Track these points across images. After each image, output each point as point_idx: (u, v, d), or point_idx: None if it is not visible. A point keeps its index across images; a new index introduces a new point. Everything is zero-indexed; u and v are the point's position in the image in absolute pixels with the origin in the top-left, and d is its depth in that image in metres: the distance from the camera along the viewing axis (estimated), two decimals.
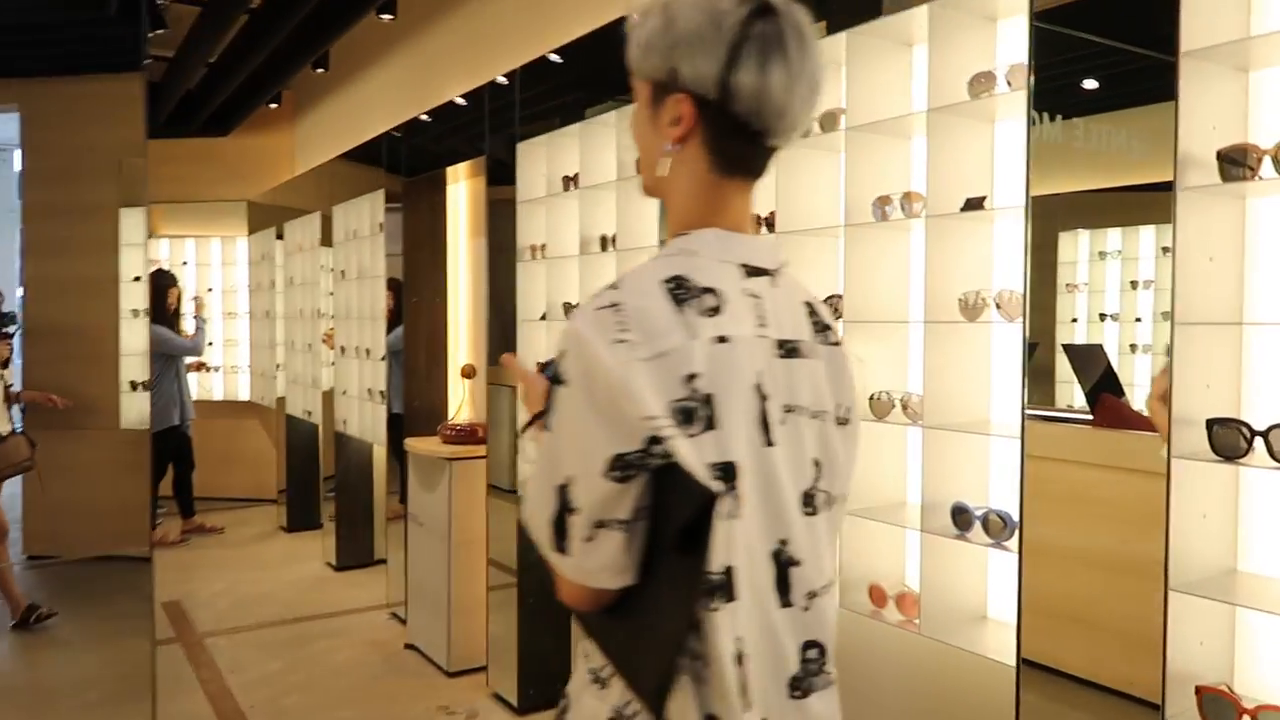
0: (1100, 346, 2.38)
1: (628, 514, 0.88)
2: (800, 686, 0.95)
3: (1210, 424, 1.70)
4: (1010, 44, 2.23)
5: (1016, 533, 2.04)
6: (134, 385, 5.94)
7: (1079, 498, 2.21)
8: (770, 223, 2.71)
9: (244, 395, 7.64)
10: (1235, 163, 1.72)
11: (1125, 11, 2.35)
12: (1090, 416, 2.25)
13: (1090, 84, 2.41)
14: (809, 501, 0.97)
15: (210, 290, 7.66)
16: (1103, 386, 2.31)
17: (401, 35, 5.73)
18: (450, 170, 4.80)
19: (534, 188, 3.71)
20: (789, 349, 0.97)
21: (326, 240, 5.83)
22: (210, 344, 7.50)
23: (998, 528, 2.09)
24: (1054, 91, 2.14)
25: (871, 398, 2.37)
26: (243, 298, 7.65)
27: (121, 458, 5.29)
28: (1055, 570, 2.10)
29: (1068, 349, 2.37)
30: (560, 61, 3.62)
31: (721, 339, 0.90)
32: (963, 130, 2.25)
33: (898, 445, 2.43)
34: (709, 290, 0.92)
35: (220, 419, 7.44)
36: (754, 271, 0.97)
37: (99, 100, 6.20)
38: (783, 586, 0.94)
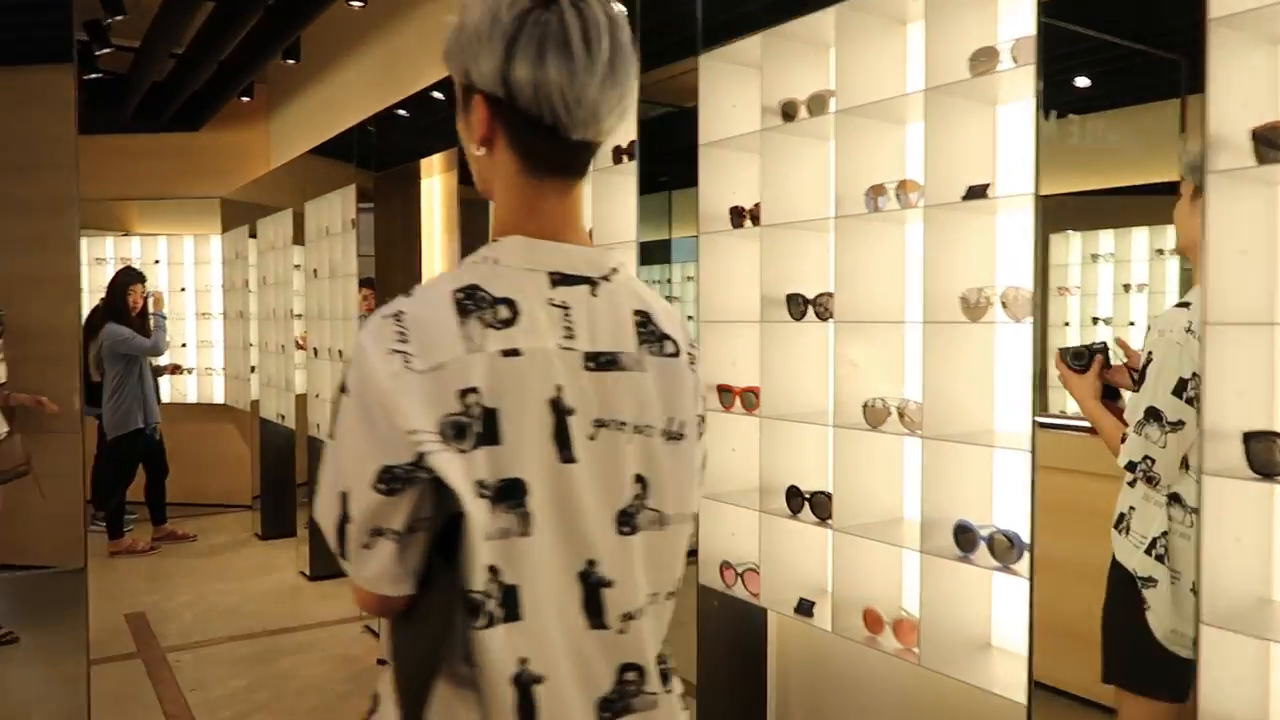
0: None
1: (400, 525, 0.88)
2: (612, 708, 0.93)
3: (1246, 437, 1.52)
4: (1014, 20, 2.05)
5: (1025, 554, 1.85)
6: (96, 387, 5.72)
7: (1080, 509, 2.04)
8: (755, 216, 2.52)
9: (218, 398, 7.42)
10: (1271, 144, 1.54)
11: (1128, 3, 2.19)
12: (1087, 423, 2.09)
13: (1085, 81, 2.26)
14: (626, 520, 0.94)
15: (183, 290, 7.43)
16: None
17: (373, 23, 5.52)
18: (424, 164, 4.60)
19: None
20: (603, 361, 0.93)
21: (299, 238, 5.62)
22: (184, 345, 7.27)
23: (1004, 549, 1.90)
24: (1048, 87, 1.99)
25: (866, 405, 2.18)
26: (216, 298, 7.43)
27: (85, 463, 5.08)
28: (1060, 587, 1.93)
29: (1063, 353, 2.22)
30: None
31: (510, 352, 0.88)
32: (963, 112, 2.06)
33: (893, 457, 2.24)
34: (504, 301, 0.90)
35: (194, 422, 7.21)
36: (566, 280, 0.93)
37: (59, 90, 5.98)
38: (593, 609, 0.92)
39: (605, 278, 0.96)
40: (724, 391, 2.60)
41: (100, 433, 5.66)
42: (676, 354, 0.99)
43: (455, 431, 0.85)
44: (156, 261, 7.41)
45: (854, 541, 2.18)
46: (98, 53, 5.32)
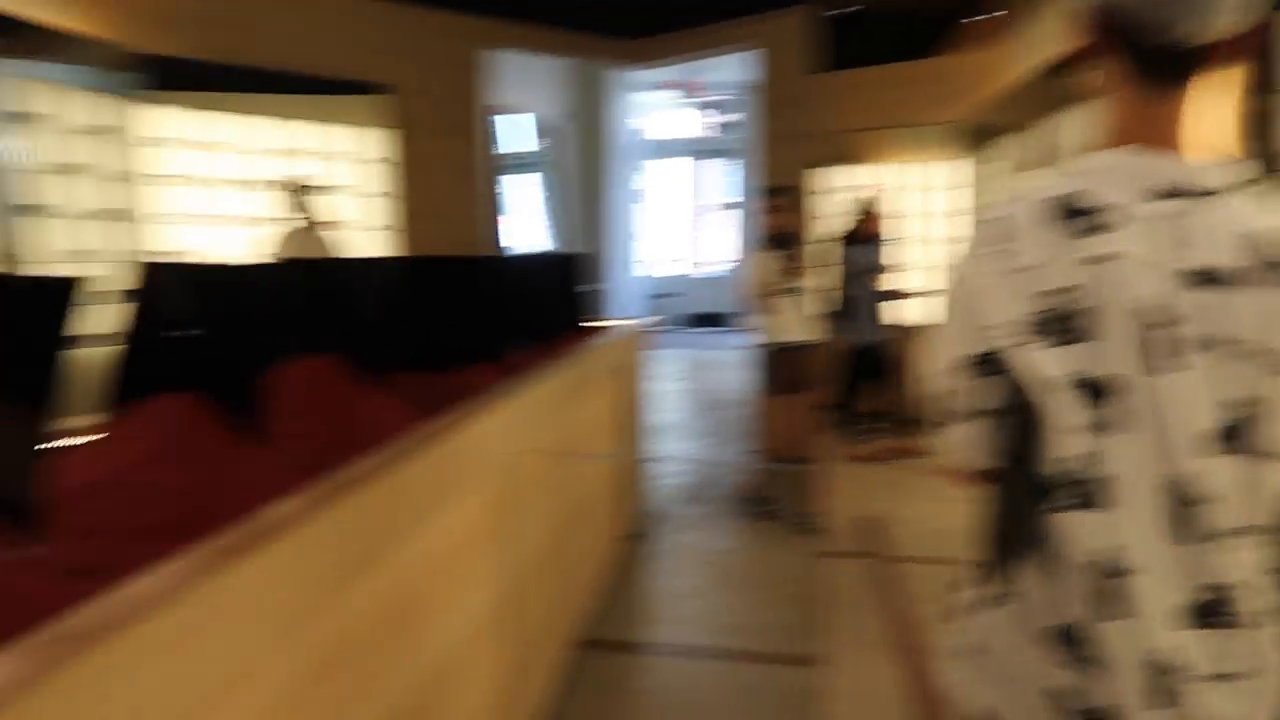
0: None
1: (980, 407, 0.99)
2: (1188, 617, 0.92)
3: None
4: None
5: None
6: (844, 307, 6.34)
7: None
8: None
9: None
10: None
11: None
12: None
13: None
14: (1221, 441, 0.91)
15: (906, 217, 7.73)
16: None
17: None
18: None
19: None
20: (1208, 278, 0.91)
21: (1044, 161, 5.35)
22: (910, 271, 7.58)
23: None
24: None
25: None
26: (940, 223, 7.57)
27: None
28: None
29: None
30: None
31: (1100, 258, 0.91)
32: None
33: None
34: (1096, 209, 0.93)
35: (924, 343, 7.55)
36: (1169, 194, 0.93)
37: (794, 32, 6.69)
38: (1177, 520, 0.91)
39: (1207, 194, 0.93)
40: None
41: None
42: None
43: (1039, 328, 0.92)
44: (882, 191, 7.82)
45: None
46: None
